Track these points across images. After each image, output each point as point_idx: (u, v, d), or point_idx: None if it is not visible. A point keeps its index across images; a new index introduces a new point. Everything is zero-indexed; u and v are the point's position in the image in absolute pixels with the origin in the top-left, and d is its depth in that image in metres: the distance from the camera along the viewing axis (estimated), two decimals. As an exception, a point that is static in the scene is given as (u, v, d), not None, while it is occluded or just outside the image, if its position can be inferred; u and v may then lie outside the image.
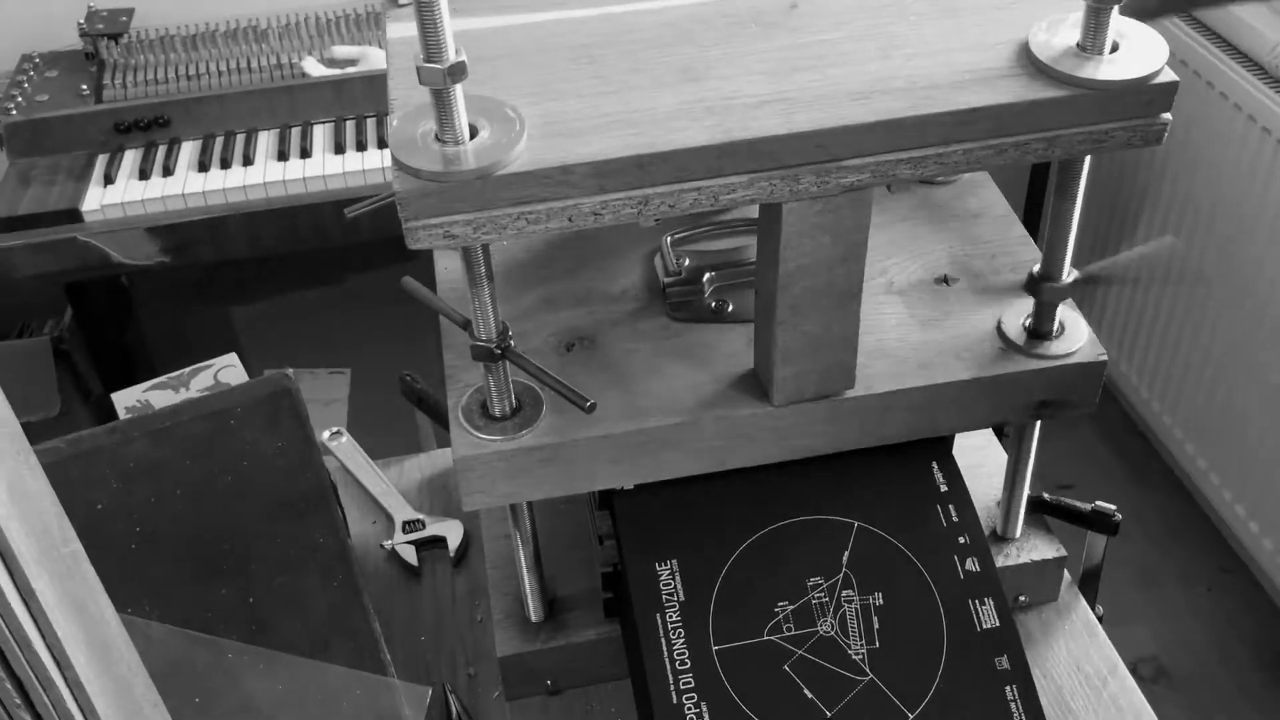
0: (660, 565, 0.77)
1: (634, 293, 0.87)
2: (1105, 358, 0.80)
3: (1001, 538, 0.91)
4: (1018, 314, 0.82)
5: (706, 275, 0.86)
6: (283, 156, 1.70)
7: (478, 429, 0.76)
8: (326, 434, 1.11)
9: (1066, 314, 0.81)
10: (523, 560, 0.84)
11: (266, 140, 1.73)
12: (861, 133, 0.66)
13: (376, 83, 1.76)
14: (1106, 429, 2.14)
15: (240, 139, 1.74)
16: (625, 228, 0.92)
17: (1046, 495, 0.90)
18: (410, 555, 0.98)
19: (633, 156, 0.64)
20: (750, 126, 0.65)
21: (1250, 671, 1.79)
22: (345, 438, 1.10)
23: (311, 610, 0.77)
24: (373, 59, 1.84)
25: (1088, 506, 0.88)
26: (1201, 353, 1.86)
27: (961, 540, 0.78)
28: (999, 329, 0.82)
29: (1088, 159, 0.73)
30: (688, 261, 0.87)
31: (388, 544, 0.99)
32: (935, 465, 0.82)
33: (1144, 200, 1.95)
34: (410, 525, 1.00)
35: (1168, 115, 0.69)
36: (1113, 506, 0.88)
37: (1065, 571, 0.93)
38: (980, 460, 0.97)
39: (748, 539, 0.78)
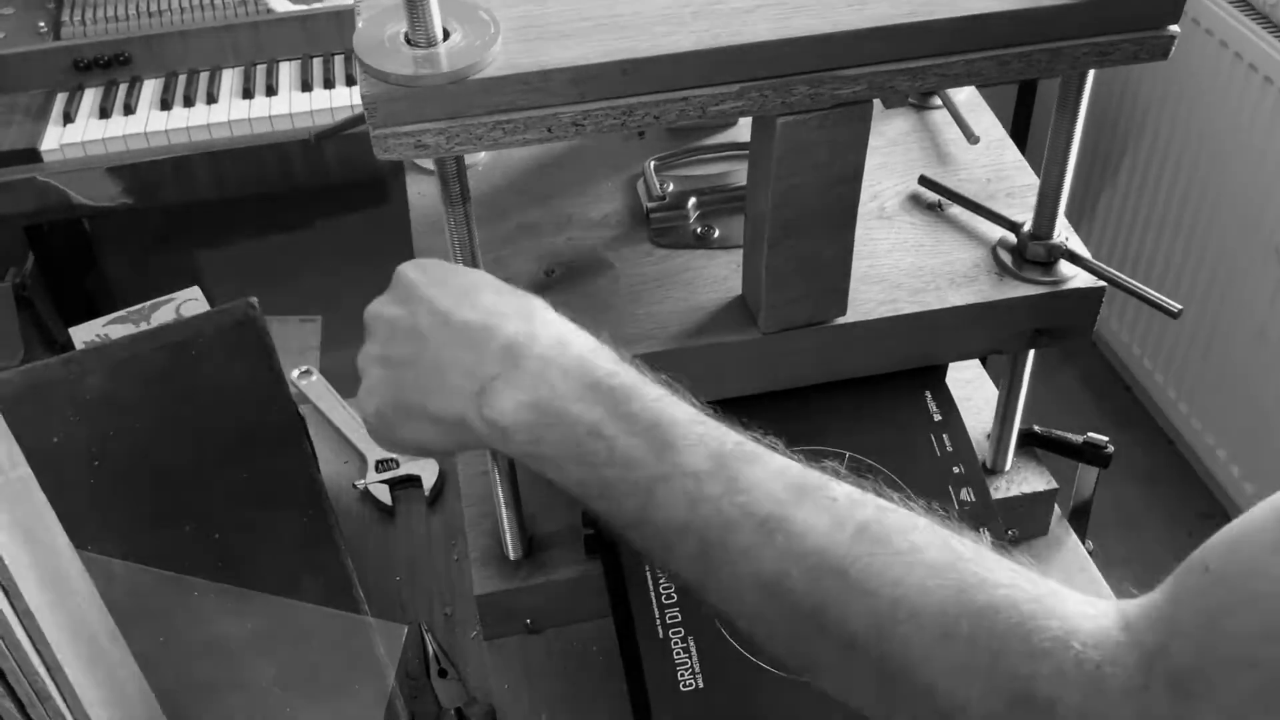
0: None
1: (616, 218, 0.83)
2: (1104, 284, 0.78)
3: (992, 471, 0.89)
4: (1013, 239, 0.79)
5: (691, 200, 0.82)
6: (248, 95, 1.65)
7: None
8: (296, 372, 1.07)
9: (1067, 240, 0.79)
10: (500, 497, 0.81)
11: (231, 78, 1.68)
12: (858, 40, 0.63)
13: (345, 19, 1.71)
14: (1087, 374, 2.13)
15: (204, 77, 1.68)
16: (608, 151, 0.88)
17: (1037, 428, 0.88)
18: (384, 494, 0.95)
19: (616, 62, 0.61)
20: (741, 32, 0.62)
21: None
22: (315, 376, 1.06)
23: (281, 546, 0.74)
24: None
25: (1079, 438, 0.86)
26: (1183, 297, 1.84)
27: (956, 470, 0.76)
28: (994, 254, 0.79)
29: (1091, 75, 0.70)
30: (672, 186, 0.83)
31: (360, 483, 0.96)
32: (929, 394, 0.79)
33: (1134, 144, 1.92)
34: (384, 464, 0.97)
35: (1175, 27, 0.66)
36: (1105, 438, 0.86)
37: (1055, 505, 0.91)
38: (969, 394, 0.94)
39: (735, 471, 0.75)
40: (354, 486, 0.96)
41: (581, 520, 0.83)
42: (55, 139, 1.59)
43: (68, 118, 1.62)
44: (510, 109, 0.61)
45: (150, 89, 1.67)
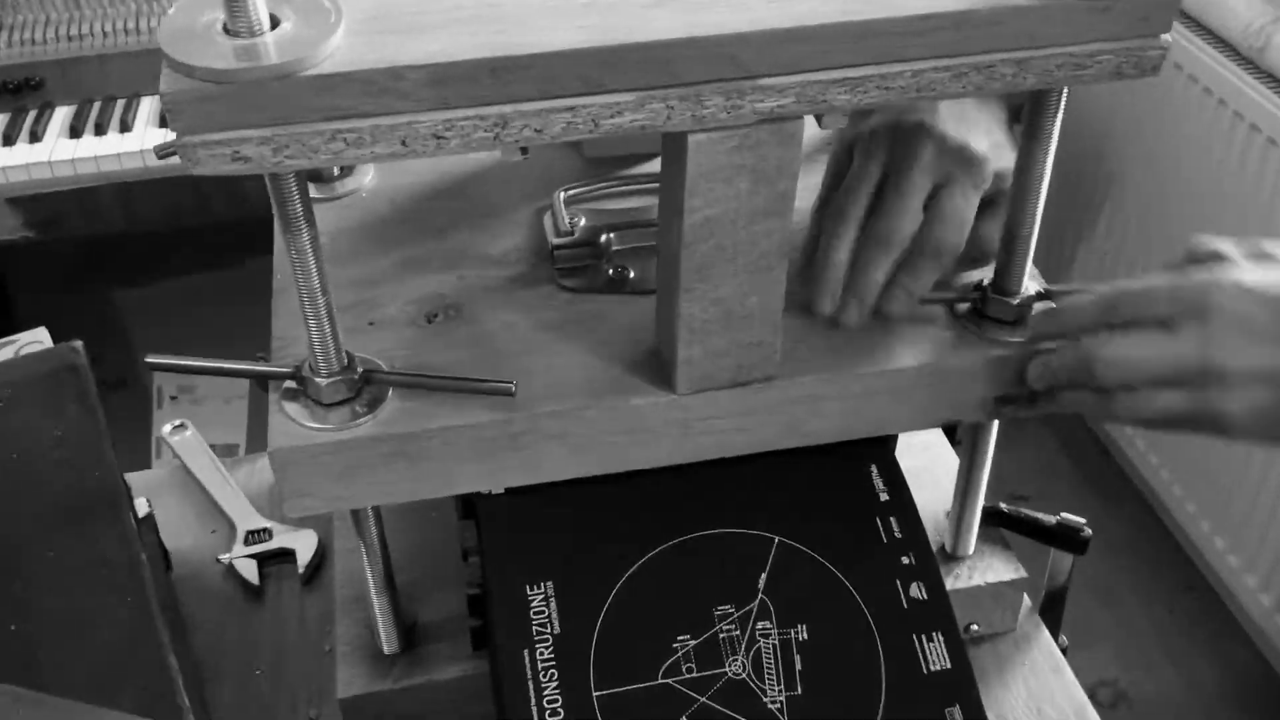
0: (532, 588, 0.62)
1: (517, 256, 0.72)
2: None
3: (951, 556, 0.77)
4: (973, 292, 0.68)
5: (605, 236, 0.71)
6: (165, 123, 1.53)
7: (302, 415, 0.60)
8: (168, 428, 0.95)
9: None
10: (371, 579, 0.69)
11: (149, 105, 1.57)
12: (782, 42, 0.52)
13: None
14: (1064, 436, 2.02)
15: (120, 104, 1.57)
16: (519, 179, 0.77)
17: (1004, 506, 0.76)
18: (250, 571, 0.82)
19: (485, 60, 0.49)
20: (639, 29, 0.51)
21: (1214, 698, 1.67)
22: (189, 431, 0.94)
23: (91, 641, 0.61)
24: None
25: (1052, 519, 0.74)
26: None
27: (905, 560, 0.64)
28: (952, 309, 0.68)
29: (1064, 96, 0.59)
30: (584, 221, 0.72)
31: (225, 558, 0.83)
32: (874, 469, 0.67)
33: (1114, 194, 1.83)
34: (255, 535, 0.85)
35: (1167, 37, 0.55)
36: (1081, 520, 0.75)
37: (1025, 596, 0.79)
38: (927, 463, 0.82)
39: (642, 557, 0.63)
40: (217, 561, 0.84)
41: (468, 608, 0.70)
42: (-49, 166, 1.47)
43: (-33, 144, 1.50)
44: (354, 115, 0.49)
45: (61, 116, 1.56)
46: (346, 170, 0.77)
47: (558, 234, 0.71)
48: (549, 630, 0.61)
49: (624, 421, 0.63)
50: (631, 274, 0.69)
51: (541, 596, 0.62)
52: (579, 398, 0.62)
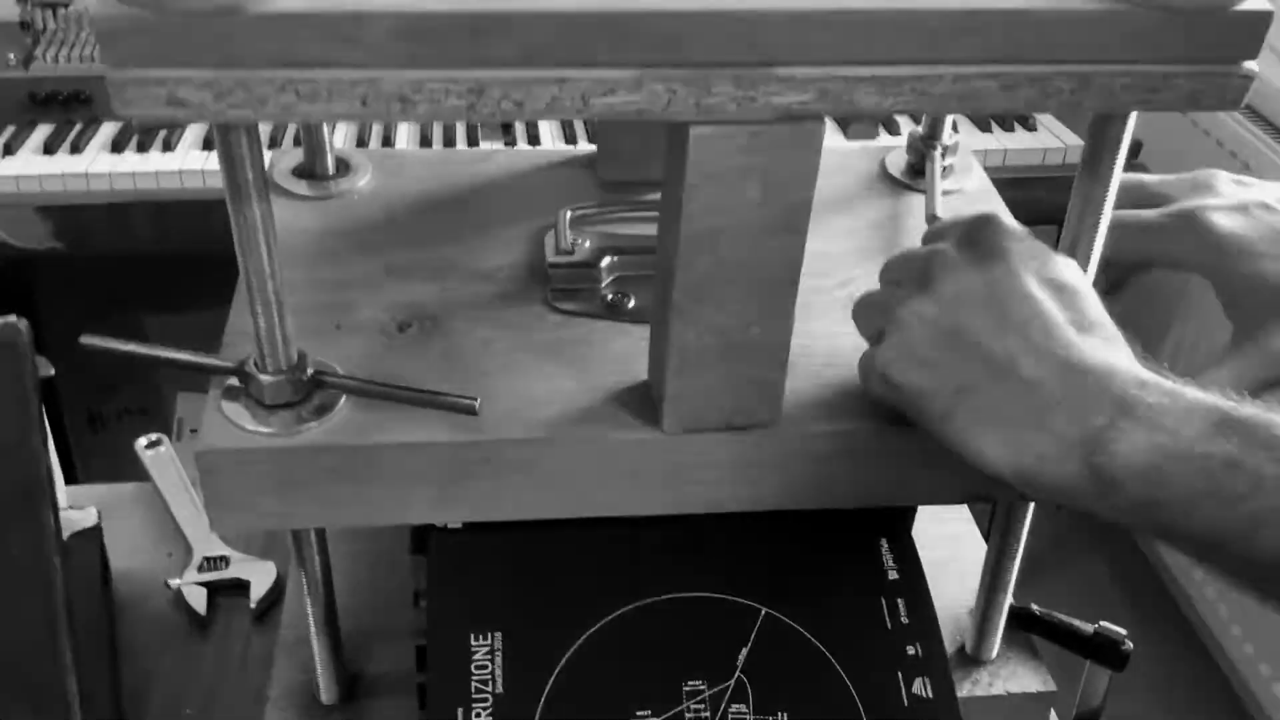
0: (477, 637, 0.54)
1: (511, 273, 0.65)
2: (1132, 420, 0.58)
3: (971, 658, 0.68)
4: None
5: (608, 259, 0.64)
6: (209, 145, 1.50)
7: (240, 415, 0.54)
8: (144, 441, 0.89)
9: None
10: (311, 615, 0.61)
11: (196, 129, 1.54)
12: (810, 27, 0.45)
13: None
14: (1106, 547, 1.90)
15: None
16: (525, 195, 0.71)
17: (1036, 607, 0.67)
18: (198, 600, 0.75)
19: (464, 15, 0.43)
20: (645, -3, 0.44)
21: None
22: (164, 447, 0.88)
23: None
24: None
25: (1090, 627, 0.65)
26: None
27: (911, 651, 0.55)
28: (990, 369, 0.60)
29: (1130, 123, 0.52)
30: (589, 244, 0.65)
31: (174, 583, 0.76)
32: (884, 544, 0.59)
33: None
34: (211, 563, 0.78)
35: (1253, 65, 0.48)
36: (1122, 631, 0.65)
37: (1053, 713, 0.70)
38: (953, 554, 0.74)
39: (607, 615, 0.55)
40: (166, 586, 0.77)
41: (416, 663, 0.62)
42: (-13, 170, 1.45)
43: (8, 149, 1.48)
44: (309, 64, 0.43)
45: (106, 131, 1.54)
46: (342, 170, 0.71)
47: (557, 252, 0.65)
48: (490, 688, 0.53)
49: (600, 459, 0.55)
50: (632, 302, 0.63)
51: (487, 648, 0.54)
52: (551, 425, 0.55)
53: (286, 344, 0.53)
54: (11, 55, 1.65)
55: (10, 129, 1.53)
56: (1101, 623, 0.66)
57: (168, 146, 1.50)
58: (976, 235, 0.53)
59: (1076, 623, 0.66)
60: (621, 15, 0.44)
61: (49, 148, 1.49)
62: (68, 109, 1.56)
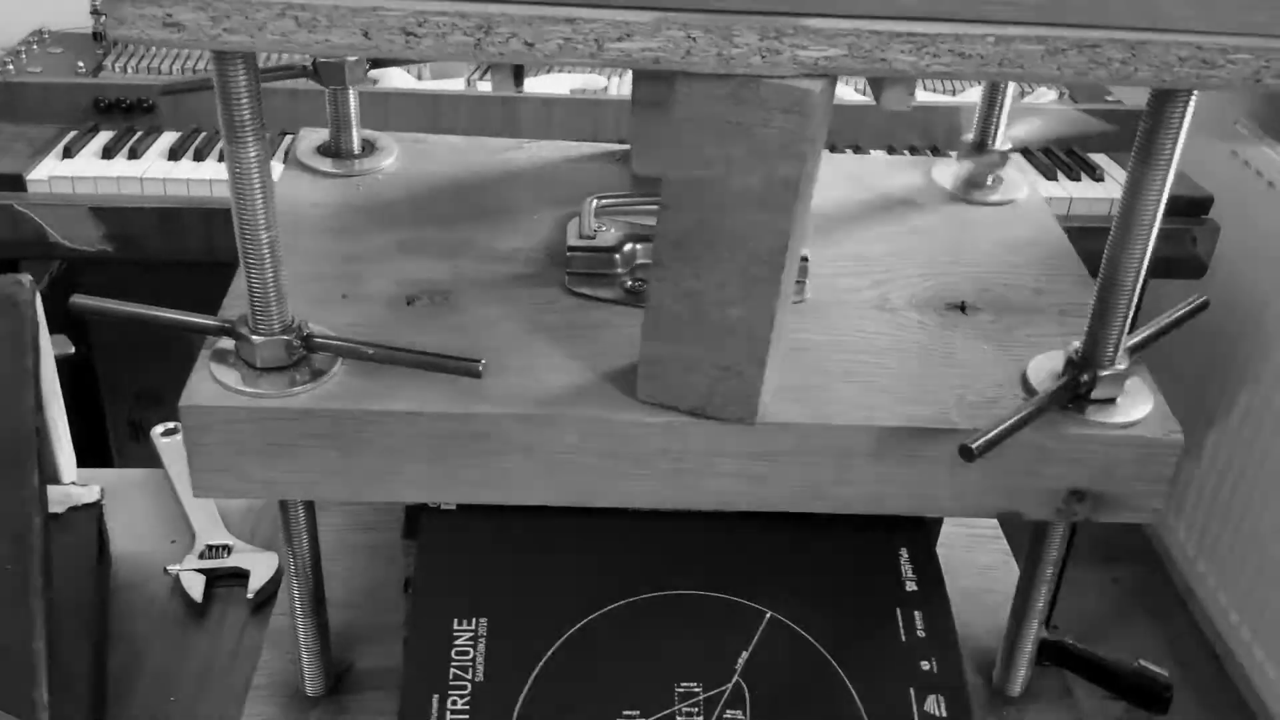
0: (460, 622, 0.51)
1: (529, 255, 0.63)
2: (1180, 437, 0.54)
3: (997, 692, 0.63)
4: (1054, 362, 0.56)
5: (630, 247, 0.62)
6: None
7: (229, 376, 0.52)
8: (161, 428, 0.87)
9: (1129, 372, 0.55)
10: (296, 597, 0.58)
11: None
12: (840, -22, 0.42)
13: (393, 100, 1.58)
14: (1137, 581, 1.81)
15: (224, 135, 1.55)
16: (545, 186, 0.69)
17: (1070, 640, 0.62)
18: (195, 587, 0.73)
19: (473, -55, 0.41)
20: (667, -61, 0.42)
21: None
22: (180, 436, 0.86)
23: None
24: (393, 78, 1.67)
25: (1130, 664, 0.60)
26: (1254, 514, 1.56)
27: (925, 666, 0.51)
28: (1024, 378, 0.56)
29: (1191, 104, 0.48)
30: (613, 231, 0.63)
31: (174, 569, 0.74)
32: (904, 554, 0.55)
33: (1248, 370, 1.67)
34: (212, 550, 0.75)
35: (1321, 47, 0.44)
36: (1163, 671, 0.60)
37: (1087, 763, 0.65)
38: (987, 584, 0.69)
39: (600, 608, 0.51)
40: (165, 571, 0.74)
41: (404, 653, 0.59)
42: (46, 171, 1.46)
43: (68, 152, 1.50)
44: (310, -9, 0.42)
45: (166, 140, 1.55)
46: (367, 150, 0.70)
47: (579, 237, 0.62)
48: (469, 675, 0.49)
49: (603, 441, 0.52)
50: (652, 289, 0.60)
51: (470, 634, 0.51)
52: (552, 403, 0.52)
53: (281, 303, 0.51)
54: (81, 63, 1.68)
55: (73, 133, 1.55)
56: (1141, 660, 0.61)
57: (223, 156, 1.51)
58: None
59: (1114, 658, 0.62)
60: (639, -47, 0.42)
61: (108, 152, 1.50)
62: (130, 116, 1.58)
